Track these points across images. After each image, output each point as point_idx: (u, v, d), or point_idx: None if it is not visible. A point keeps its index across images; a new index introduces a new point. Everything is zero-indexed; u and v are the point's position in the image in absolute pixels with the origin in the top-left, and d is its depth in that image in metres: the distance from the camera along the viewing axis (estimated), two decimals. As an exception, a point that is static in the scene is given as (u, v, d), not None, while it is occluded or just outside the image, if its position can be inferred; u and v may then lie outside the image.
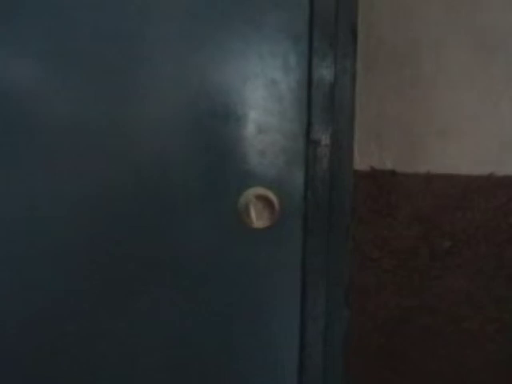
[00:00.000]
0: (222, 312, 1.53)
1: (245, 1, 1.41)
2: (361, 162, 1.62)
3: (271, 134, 1.44)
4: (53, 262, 1.42)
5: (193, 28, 1.38)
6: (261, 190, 1.43)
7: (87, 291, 1.45)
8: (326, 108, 1.43)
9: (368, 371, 1.69)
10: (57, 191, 1.42)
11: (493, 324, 1.65)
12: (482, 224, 1.62)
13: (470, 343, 1.66)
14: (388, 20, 1.58)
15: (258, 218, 1.43)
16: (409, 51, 1.62)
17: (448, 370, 1.70)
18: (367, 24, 1.56)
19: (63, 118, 1.42)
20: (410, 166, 1.64)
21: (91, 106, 1.39)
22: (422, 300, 1.66)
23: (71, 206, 1.46)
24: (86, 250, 1.46)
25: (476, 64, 1.59)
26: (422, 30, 1.59)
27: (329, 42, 1.44)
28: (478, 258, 1.64)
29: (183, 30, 1.38)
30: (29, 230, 1.42)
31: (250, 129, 1.43)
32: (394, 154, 1.63)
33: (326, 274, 1.49)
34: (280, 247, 1.48)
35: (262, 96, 1.42)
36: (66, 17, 1.34)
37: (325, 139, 1.44)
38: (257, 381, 1.48)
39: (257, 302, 1.50)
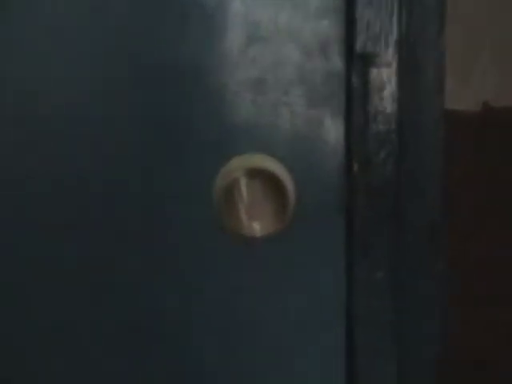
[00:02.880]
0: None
1: None
2: (462, 96, 0.85)
3: (275, 41, 0.79)
4: None
5: None
6: (258, 161, 0.78)
7: None
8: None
9: None
10: None
11: None
12: None
13: None
14: None
15: (252, 218, 0.77)
16: None
17: None
18: None
19: None
20: None
21: None
22: None
23: None
24: None
25: None
26: None
27: None
28: None
29: None
30: None
31: (232, 33, 0.78)
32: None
33: (395, 331, 0.80)
34: (300, 278, 0.81)
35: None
36: None
37: (386, 52, 0.79)
38: None
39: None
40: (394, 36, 0.78)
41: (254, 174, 0.76)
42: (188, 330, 0.82)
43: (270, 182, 0.76)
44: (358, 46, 0.78)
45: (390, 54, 0.78)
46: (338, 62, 0.79)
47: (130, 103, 0.78)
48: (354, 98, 0.79)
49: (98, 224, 0.80)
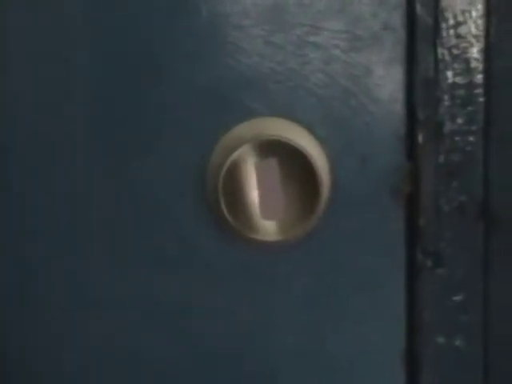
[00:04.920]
0: None
1: None
2: None
3: None
4: None
5: None
6: (275, 129, 0.54)
7: None
8: None
9: None
10: None
11: None
12: None
13: None
14: None
15: (267, 214, 0.53)
16: None
17: None
18: None
19: None
20: None
21: None
22: None
23: None
24: None
25: None
26: None
27: None
28: None
29: None
30: None
31: None
32: None
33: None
34: (337, 304, 0.56)
35: None
36: None
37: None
38: None
39: None
40: None
41: (269, 148, 0.52)
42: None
43: (293, 160, 0.52)
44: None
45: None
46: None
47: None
48: (419, 36, 0.54)
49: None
